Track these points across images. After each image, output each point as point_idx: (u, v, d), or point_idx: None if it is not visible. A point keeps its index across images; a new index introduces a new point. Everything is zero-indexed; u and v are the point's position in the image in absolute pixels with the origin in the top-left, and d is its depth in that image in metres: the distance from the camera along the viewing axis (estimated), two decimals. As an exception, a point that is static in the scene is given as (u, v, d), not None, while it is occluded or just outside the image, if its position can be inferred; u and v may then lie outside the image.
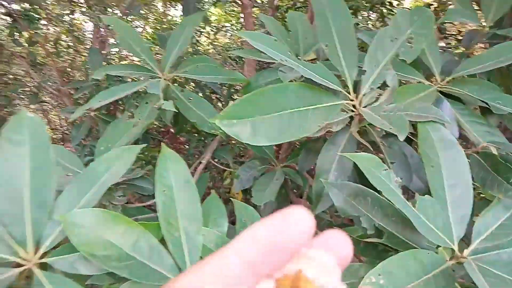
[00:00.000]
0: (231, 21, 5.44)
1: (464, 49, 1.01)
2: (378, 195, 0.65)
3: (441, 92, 0.85)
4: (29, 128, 0.60)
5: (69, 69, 4.24)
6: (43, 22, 3.50)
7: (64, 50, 4.15)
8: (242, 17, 3.62)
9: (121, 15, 3.17)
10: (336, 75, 0.75)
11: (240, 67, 2.40)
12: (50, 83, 3.23)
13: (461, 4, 0.95)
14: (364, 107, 0.74)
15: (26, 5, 2.97)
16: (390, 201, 0.58)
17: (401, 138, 0.60)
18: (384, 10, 3.31)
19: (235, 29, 5.47)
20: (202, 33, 4.79)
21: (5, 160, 0.58)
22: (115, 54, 5.09)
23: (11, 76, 4.06)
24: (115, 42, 5.06)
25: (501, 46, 0.84)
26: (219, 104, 2.48)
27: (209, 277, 0.16)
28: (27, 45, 3.43)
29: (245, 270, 0.16)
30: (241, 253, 0.17)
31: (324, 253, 0.18)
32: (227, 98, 2.44)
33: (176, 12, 5.38)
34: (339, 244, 0.19)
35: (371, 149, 0.74)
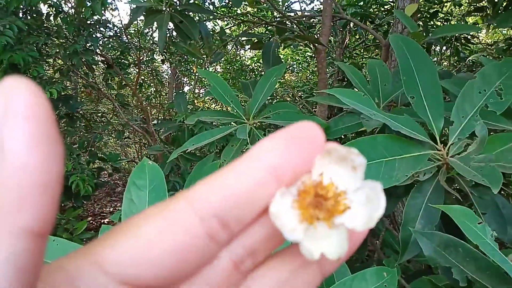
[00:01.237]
0: (298, 59, 5.62)
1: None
2: (470, 247, 0.65)
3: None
4: (149, 174, 0.70)
5: (149, 108, 4.65)
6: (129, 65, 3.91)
7: (148, 90, 4.57)
8: (313, 57, 3.72)
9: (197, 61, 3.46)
10: (421, 123, 0.78)
11: (312, 106, 2.47)
12: (134, 121, 3.57)
13: None
14: (452, 156, 0.75)
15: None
16: (485, 254, 0.58)
17: (495, 191, 0.61)
18: (459, 46, 3.22)
19: (302, 67, 5.62)
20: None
21: (130, 201, 0.68)
22: (189, 93, 5.48)
23: (99, 114, 4.52)
24: (189, 83, 5.43)
25: None
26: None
27: (232, 180, 0.15)
28: (117, 87, 3.85)
29: (268, 174, 0.15)
30: (262, 158, 0.15)
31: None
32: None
33: (247, 53, 5.69)
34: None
35: (460, 199, 0.74)
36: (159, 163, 2.02)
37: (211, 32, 1.74)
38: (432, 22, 3.05)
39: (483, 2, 2.65)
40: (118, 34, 3.54)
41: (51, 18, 2.29)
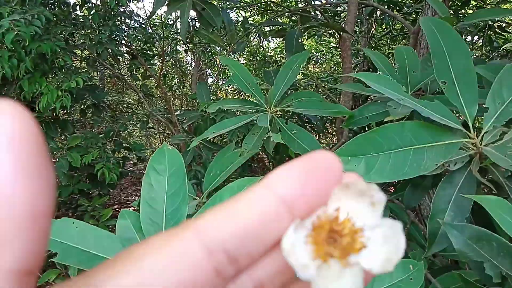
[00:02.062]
0: (322, 50, 5.52)
1: None
2: (506, 241, 0.60)
3: None
4: (168, 159, 0.69)
5: (172, 98, 4.69)
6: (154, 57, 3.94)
7: (171, 82, 4.61)
8: (338, 48, 3.64)
9: (223, 51, 3.45)
10: (453, 111, 0.74)
11: (336, 97, 2.42)
12: (158, 112, 3.61)
13: None
14: (486, 145, 0.70)
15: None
16: (521, 249, 0.54)
17: (535, 181, 0.57)
18: (492, 35, 3.07)
19: (326, 58, 5.52)
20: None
21: (150, 186, 0.67)
22: (212, 84, 5.49)
23: (124, 105, 4.60)
24: (212, 75, 5.44)
25: None
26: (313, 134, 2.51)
27: (244, 212, 0.14)
28: (141, 78, 3.89)
29: (281, 206, 0.15)
30: (276, 188, 0.15)
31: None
32: (320, 128, 2.47)
33: (270, 45, 5.64)
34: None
35: (494, 190, 0.70)
36: (182, 153, 2.03)
37: (234, 22, 1.72)
38: (463, 11, 2.92)
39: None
40: (143, 25, 3.57)
41: (77, 8, 2.32)
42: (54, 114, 2.59)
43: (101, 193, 2.75)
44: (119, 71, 3.64)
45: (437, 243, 0.72)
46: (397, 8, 2.97)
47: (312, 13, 2.07)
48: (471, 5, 3.08)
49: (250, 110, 1.22)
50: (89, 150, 2.54)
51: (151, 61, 3.68)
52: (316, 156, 0.15)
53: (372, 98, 1.54)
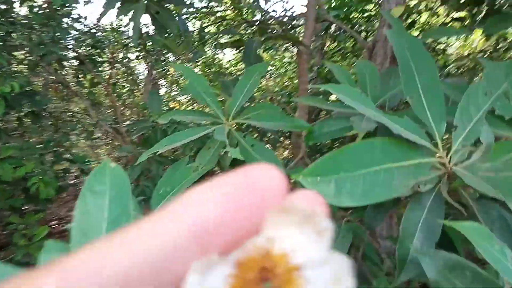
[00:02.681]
0: (275, 65, 5.56)
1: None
2: (480, 270, 0.57)
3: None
4: (110, 179, 0.59)
5: (122, 108, 4.47)
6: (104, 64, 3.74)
7: (121, 91, 4.40)
8: (292, 63, 3.66)
9: (175, 60, 3.33)
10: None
11: (292, 110, 2.40)
12: (106, 122, 3.40)
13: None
14: (455, 165, 0.67)
15: (92, 50, 3.20)
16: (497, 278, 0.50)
17: (511, 205, 0.53)
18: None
19: (280, 73, 5.57)
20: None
21: (85, 212, 0.56)
22: (165, 94, 5.32)
23: (69, 114, 4.31)
24: (166, 84, 5.28)
25: None
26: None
27: (140, 244, 0.11)
28: (88, 86, 3.66)
29: (190, 237, 0.11)
30: (187, 213, 0.12)
31: (306, 202, 0.13)
32: (276, 141, 2.43)
33: (225, 57, 5.59)
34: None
35: (464, 213, 0.67)
36: (130, 166, 1.89)
37: (190, 31, 1.64)
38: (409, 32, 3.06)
39: (462, 12, 2.67)
40: (92, 30, 3.37)
41: (16, 5, 2.12)
42: (-15, 121, 2.34)
43: (37, 209, 2.50)
44: (64, 77, 3.39)
45: (406, 270, 0.67)
46: (351, 25, 3.05)
47: (270, 25, 2.04)
48: (416, 28, 3.24)
49: (206, 122, 1.14)
50: (24, 162, 2.30)
51: (100, 68, 3.48)
52: (252, 170, 0.13)
53: (328, 112, 1.52)
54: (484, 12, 2.47)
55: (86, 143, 4.16)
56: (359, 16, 3.12)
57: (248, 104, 1.16)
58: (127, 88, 4.73)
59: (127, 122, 3.79)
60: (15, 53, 2.75)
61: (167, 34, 1.41)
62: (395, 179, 0.62)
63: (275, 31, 1.95)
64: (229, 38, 1.83)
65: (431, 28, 2.00)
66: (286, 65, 5.16)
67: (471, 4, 2.36)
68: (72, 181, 3.92)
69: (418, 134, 0.66)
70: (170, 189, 1.11)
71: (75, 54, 2.94)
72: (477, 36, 3.46)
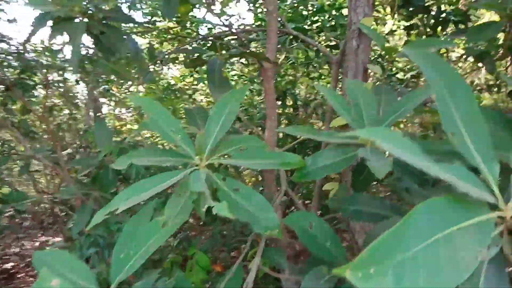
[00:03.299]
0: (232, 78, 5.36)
1: None
2: None
3: None
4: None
5: (61, 133, 4.04)
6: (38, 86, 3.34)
7: (59, 114, 3.97)
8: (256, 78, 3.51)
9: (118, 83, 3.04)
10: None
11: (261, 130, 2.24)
12: (42, 154, 3.00)
13: None
14: (515, 216, 0.53)
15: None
16: None
17: None
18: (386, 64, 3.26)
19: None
20: (198, 91, 4.69)
21: None
22: (108, 116, 4.93)
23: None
24: (109, 105, 4.90)
25: None
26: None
27: None
28: (19, 113, 3.25)
29: None
30: None
31: None
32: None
33: (170, 71, 5.30)
34: None
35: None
36: (77, 210, 1.60)
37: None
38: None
39: (413, 20, 2.70)
40: (20, 51, 2.98)
41: None
42: None
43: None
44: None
45: None
46: (312, 36, 2.97)
47: (225, 39, 1.87)
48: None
49: (176, 164, 0.93)
50: None
51: (31, 93, 3.09)
52: None
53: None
54: (432, 21, 2.50)
55: (21, 178, 3.68)
56: (312, 27, 3.05)
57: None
58: (67, 112, 4.30)
59: (68, 151, 3.40)
60: None
61: (116, 58, 1.18)
62: (457, 250, 0.47)
63: (234, 45, 1.78)
64: (185, 56, 1.62)
65: (413, 41, 1.95)
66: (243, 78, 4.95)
67: (421, 13, 2.38)
68: (6, 223, 3.43)
69: (474, 183, 0.51)
70: (134, 252, 0.89)
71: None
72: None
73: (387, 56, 2.97)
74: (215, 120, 0.93)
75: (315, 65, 3.12)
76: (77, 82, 3.13)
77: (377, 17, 3.10)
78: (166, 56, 1.70)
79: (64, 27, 1.09)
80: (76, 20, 1.13)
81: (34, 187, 3.43)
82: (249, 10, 3.18)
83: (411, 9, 2.53)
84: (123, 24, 2.24)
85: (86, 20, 1.13)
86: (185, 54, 1.58)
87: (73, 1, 1.08)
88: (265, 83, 1.74)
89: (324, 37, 2.82)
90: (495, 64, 2.00)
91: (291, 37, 2.52)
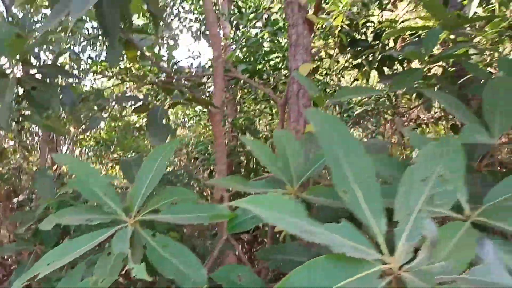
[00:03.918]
0: (189, 114, 5.39)
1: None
2: None
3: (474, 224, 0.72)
4: None
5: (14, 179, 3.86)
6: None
7: (10, 160, 3.82)
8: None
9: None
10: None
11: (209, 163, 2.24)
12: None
13: (468, 119, 0.88)
14: (402, 268, 0.57)
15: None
16: None
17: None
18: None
19: (193, 122, 5.40)
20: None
21: None
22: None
23: None
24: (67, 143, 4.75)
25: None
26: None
27: None
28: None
29: None
30: None
31: None
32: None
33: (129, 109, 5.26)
34: None
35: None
36: (15, 269, 1.53)
37: (79, 99, 1.40)
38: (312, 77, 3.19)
39: (360, 60, 2.86)
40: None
41: None
42: None
43: None
44: None
45: None
46: (258, 75, 3.07)
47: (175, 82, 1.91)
48: (319, 73, 3.40)
49: (105, 222, 0.92)
50: None
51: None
52: None
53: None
54: (378, 59, 2.66)
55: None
56: (266, 65, 3.16)
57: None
58: (20, 156, 4.14)
59: (20, 198, 3.26)
60: None
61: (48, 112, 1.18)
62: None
63: (182, 89, 1.81)
64: (131, 104, 1.64)
65: (344, 88, 2.06)
66: (199, 113, 4.97)
67: (367, 53, 2.53)
68: None
69: (360, 241, 0.55)
70: (63, 314, 0.87)
71: None
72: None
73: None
74: (144, 177, 0.95)
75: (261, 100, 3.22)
76: (20, 131, 3.02)
77: (330, 55, 3.25)
78: (113, 103, 1.71)
79: (-5, 85, 1.09)
80: (8, 76, 1.13)
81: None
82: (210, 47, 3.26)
83: (357, 49, 2.69)
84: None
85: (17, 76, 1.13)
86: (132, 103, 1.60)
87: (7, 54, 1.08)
88: (214, 127, 1.78)
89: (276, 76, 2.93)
90: (431, 102, 2.15)
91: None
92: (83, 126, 1.66)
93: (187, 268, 0.84)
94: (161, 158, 0.96)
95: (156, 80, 1.66)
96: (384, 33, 2.18)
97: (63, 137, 4.65)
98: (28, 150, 3.53)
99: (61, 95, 1.17)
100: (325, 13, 2.61)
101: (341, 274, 0.52)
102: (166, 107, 1.49)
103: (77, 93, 1.76)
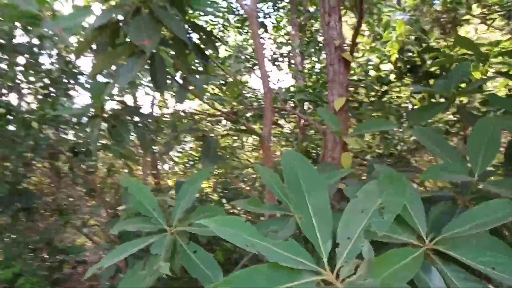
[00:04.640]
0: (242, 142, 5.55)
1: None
2: None
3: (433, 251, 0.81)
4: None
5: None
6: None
7: (119, 173, 4.51)
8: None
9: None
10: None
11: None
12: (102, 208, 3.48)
13: (449, 157, 0.95)
14: (342, 281, 0.72)
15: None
16: None
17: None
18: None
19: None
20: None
21: None
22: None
23: (64, 203, 4.36)
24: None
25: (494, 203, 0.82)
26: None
27: None
28: (83, 174, 3.80)
29: None
30: None
31: None
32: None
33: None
34: None
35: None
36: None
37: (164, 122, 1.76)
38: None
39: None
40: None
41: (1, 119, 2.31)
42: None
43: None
44: (57, 169, 3.56)
45: None
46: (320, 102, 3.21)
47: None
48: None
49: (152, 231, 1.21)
50: (11, 264, 2.37)
51: (93, 158, 3.65)
52: None
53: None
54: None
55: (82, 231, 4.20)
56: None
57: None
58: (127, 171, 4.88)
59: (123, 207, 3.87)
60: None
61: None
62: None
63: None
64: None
65: (364, 122, 2.12)
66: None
67: (426, 79, 2.51)
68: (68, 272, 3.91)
69: (302, 256, 0.71)
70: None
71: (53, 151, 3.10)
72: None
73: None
74: (183, 195, 1.21)
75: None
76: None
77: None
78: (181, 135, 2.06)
79: (88, 123, 1.49)
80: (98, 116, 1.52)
81: (91, 239, 3.91)
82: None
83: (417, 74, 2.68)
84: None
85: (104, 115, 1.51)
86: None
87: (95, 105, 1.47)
88: (264, 153, 2.01)
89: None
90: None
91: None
92: (161, 150, 2.02)
93: (209, 270, 1.07)
94: (197, 182, 1.22)
95: (220, 112, 1.97)
96: (434, 62, 2.18)
97: (160, 155, 5.34)
98: (130, 168, 4.17)
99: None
100: (379, 42, 2.68)
101: (281, 279, 0.69)
102: (220, 136, 1.77)
103: (157, 126, 2.16)
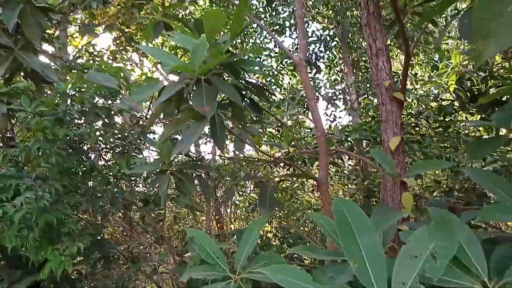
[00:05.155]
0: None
1: None
2: None
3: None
4: None
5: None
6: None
7: (182, 222, 4.73)
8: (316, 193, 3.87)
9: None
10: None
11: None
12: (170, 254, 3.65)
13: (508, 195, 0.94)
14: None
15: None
16: None
17: None
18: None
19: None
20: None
21: None
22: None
23: (137, 251, 4.62)
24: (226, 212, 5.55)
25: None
26: None
27: None
28: (153, 223, 4.04)
29: None
30: None
31: None
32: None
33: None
34: None
35: None
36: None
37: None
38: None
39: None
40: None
41: (85, 177, 2.60)
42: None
43: None
44: (129, 219, 3.83)
45: None
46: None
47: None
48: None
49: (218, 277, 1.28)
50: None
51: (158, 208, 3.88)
52: None
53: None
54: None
55: (153, 279, 4.39)
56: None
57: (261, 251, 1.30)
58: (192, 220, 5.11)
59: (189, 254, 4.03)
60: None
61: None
62: None
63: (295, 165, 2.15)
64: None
65: (419, 162, 2.07)
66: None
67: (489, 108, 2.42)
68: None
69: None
70: None
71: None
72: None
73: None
74: (244, 244, 1.29)
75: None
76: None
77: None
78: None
79: (158, 178, 1.65)
80: (166, 172, 1.68)
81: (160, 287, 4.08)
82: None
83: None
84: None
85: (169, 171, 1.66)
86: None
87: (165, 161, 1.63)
88: (322, 196, 2.04)
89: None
90: None
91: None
92: (223, 197, 2.14)
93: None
94: (254, 231, 1.29)
95: (273, 158, 2.06)
96: (498, 91, 2.11)
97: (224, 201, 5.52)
98: (195, 216, 4.37)
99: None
100: (436, 74, 2.65)
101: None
102: (277, 179, 1.85)
103: (219, 174, 2.31)
